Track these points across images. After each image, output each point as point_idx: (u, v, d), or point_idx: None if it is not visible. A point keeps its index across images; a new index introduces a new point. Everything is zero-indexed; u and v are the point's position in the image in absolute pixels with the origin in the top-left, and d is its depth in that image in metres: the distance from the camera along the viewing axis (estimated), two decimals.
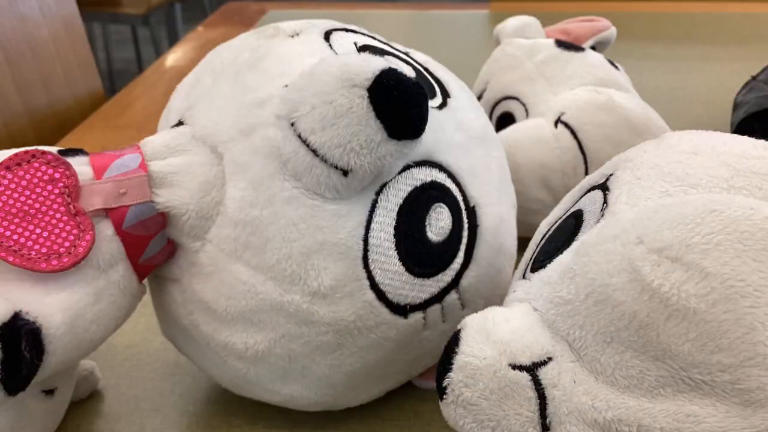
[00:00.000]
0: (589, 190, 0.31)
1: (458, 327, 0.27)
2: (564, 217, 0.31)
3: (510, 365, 0.25)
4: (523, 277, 0.30)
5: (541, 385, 0.24)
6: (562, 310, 0.25)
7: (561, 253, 0.27)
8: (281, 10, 1.25)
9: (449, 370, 0.26)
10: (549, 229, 0.32)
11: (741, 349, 0.20)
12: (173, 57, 1.04)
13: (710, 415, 0.21)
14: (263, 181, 0.32)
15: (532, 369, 0.24)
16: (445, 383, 0.26)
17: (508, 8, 1.30)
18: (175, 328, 0.37)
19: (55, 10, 0.95)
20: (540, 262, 0.29)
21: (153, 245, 0.34)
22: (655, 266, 0.21)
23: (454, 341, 0.27)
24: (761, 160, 0.26)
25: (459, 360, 0.26)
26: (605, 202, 0.28)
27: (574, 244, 0.27)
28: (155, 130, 0.38)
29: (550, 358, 0.25)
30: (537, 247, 0.32)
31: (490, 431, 0.25)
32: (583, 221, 0.29)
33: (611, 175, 0.29)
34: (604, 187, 0.29)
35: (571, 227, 0.29)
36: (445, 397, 0.26)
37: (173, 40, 2.45)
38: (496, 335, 0.25)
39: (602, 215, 0.27)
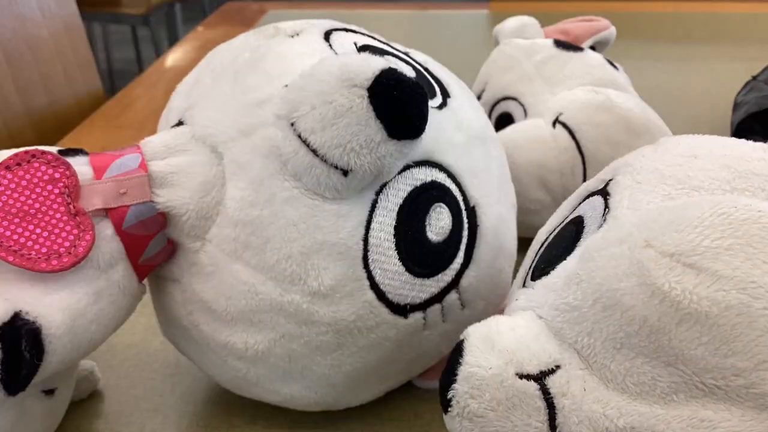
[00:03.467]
0: (587, 197, 0.30)
1: (461, 337, 0.26)
2: (563, 223, 0.31)
3: (517, 374, 0.24)
4: (524, 285, 0.30)
5: (549, 394, 0.23)
6: (568, 316, 0.24)
7: (563, 259, 0.27)
8: (281, 10, 1.25)
9: (453, 381, 0.25)
10: (548, 237, 0.32)
11: (755, 353, 0.20)
12: (173, 57, 1.04)
13: (725, 419, 0.21)
14: (263, 181, 0.32)
15: (540, 378, 0.24)
16: (449, 395, 0.25)
17: (507, 8, 1.30)
18: (175, 328, 0.37)
19: (55, 10, 0.95)
20: (541, 270, 0.28)
21: (153, 245, 0.34)
22: (666, 270, 0.21)
23: (457, 352, 0.26)
24: (761, 161, 0.25)
25: (464, 371, 0.25)
26: (607, 206, 0.27)
27: (578, 250, 0.26)
28: (155, 130, 0.38)
29: (558, 366, 0.24)
30: (536, 254, 0.31)
31: None
32: (584, 227, 0.28)
33: (611, 180, 0.29)
34: (604, 193, 0.29)
35: (571, 234, 0.29)
36: (450, 409, 0.25)
37: (173, 40, 2.45)
38: (501, 344, 0.25)
39: (604, 220, 0.27)
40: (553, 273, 0.27)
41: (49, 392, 0.34)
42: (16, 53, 0.87)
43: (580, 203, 0.31)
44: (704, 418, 0.21)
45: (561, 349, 0.24)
